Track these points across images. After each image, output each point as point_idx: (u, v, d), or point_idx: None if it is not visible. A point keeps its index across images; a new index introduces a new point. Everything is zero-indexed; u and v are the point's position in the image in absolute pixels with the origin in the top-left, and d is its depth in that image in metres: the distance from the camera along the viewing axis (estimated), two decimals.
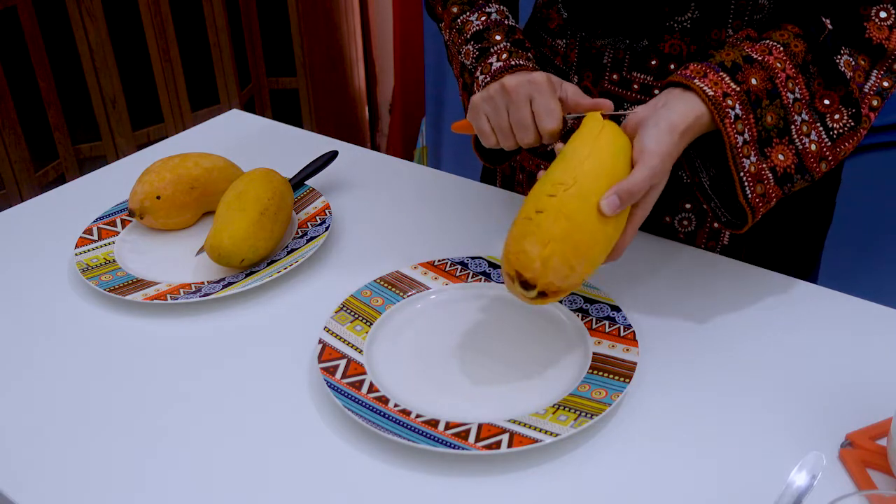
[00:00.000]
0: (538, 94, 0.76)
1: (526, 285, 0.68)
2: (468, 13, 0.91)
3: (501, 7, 0.92)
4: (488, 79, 0.83)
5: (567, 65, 0.93)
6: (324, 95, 2.78)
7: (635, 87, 0.88)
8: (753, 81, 0.74)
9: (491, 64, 0.84)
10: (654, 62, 0.86)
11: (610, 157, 0.70)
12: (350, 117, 2.87)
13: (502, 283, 0.86)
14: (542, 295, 0.69)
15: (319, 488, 0.65)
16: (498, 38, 0.87)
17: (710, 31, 0.83)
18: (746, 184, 0.74)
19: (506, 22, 0.89)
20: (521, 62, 0.83)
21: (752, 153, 0.74)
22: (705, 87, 0.72)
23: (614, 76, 0.89)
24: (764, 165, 0.75)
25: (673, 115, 0.71)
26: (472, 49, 0.88)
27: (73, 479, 0.66)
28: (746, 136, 0.74)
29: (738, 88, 0.73)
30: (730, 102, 0.72)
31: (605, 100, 0.78)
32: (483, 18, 0.90)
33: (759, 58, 0.75)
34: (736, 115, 0.73)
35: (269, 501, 0.64)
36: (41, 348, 0.81)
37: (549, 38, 0.95)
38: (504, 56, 0.84)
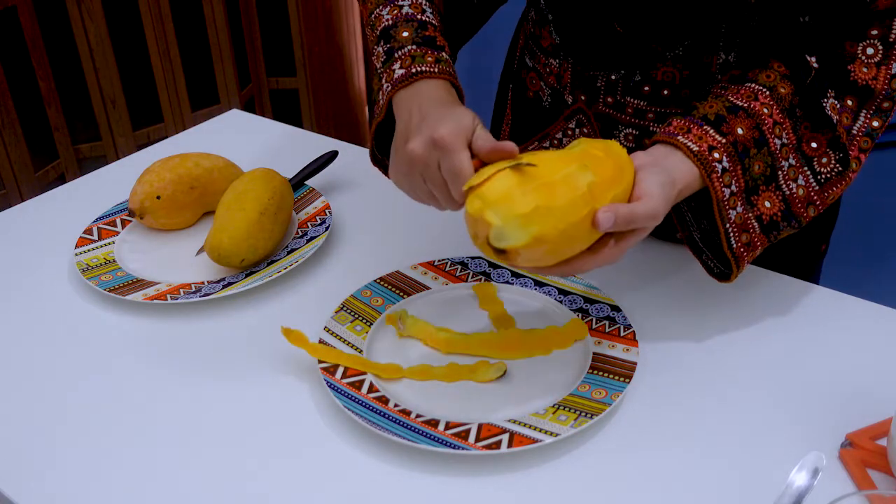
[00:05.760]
0: (444, 155, 0.69)
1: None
2: (381, 7, 0.83)
3: None
4: (389, 87, 0.78)
5: (561, 85, 0.92)
6: (324, 95, 2.78)
7: (629, 110, 0.87)
8: (740, 131, 0.72)
9: (394, 71, 0.78)
10: (646, 88, 0.85)
11: (626, 178, 0.66)
12: (350, 117, 2.87)
13: (503, 283, 0.86)
14: (501, 252, 0.64)
15: (320, 488, 0.65)
16: (405, 34, 0.80)
17: (702, 57, 0.82)
18: (731, 234, 0.73)
19: (418, 17, 0.81)
20: (423, 69, 0.76)
21: (739, 203, 0.73)
22: (689, 143, 0.70)
23: (608, 99, 0.88)
24: (750, 214, 0.73)
25: (675, 172, 0.70)
26: (381, 51, 0.81)
27: (73, 479, 0.66)
28: (734, 187, 0.72)
29: (723, 140, 0.71)
30: (716, 156, 0.71)
31: (509, 143, 0.67)
32: (394, 13, 0.82)
33: (745, 104, 0.73)
34: (724, 168, 0.71)
35: (270, 501, 0.64)
36: (41, 348, 0.81)
37: (542, 56, 0.94)
38: (407, 62, 0.78)
